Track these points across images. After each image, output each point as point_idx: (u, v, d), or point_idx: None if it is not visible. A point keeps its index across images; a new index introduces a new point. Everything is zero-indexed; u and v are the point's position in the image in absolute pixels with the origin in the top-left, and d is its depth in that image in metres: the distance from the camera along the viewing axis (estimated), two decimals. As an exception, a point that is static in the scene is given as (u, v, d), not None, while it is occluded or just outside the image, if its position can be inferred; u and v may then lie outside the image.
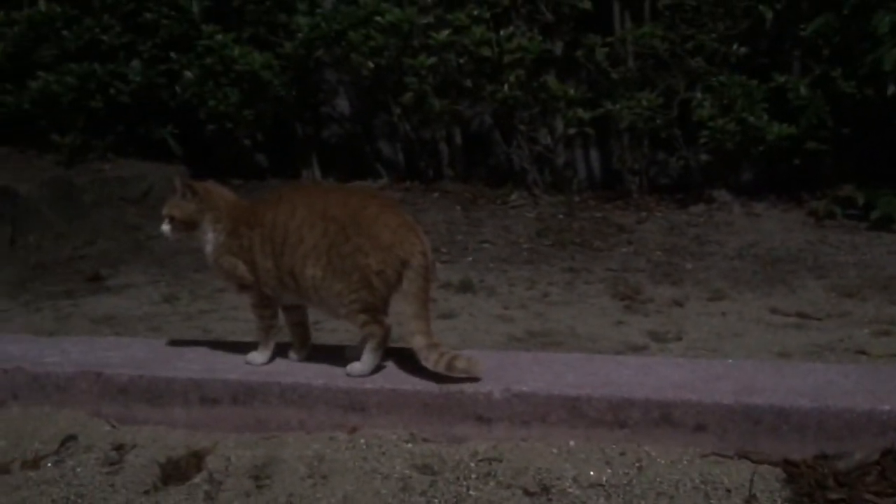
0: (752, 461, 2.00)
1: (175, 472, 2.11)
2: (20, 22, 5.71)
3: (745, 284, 3.88)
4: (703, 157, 5.09)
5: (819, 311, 3.45)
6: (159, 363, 2.48)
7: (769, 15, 4.91)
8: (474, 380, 2.22)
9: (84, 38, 5.65)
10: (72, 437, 2.30)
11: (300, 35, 5.37)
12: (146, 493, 2.05)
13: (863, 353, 2.90)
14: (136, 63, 5.68)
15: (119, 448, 2.25)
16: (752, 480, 1.93)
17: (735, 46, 5.02)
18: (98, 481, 2.11)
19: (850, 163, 4.97)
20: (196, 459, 2.15)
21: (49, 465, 2.20)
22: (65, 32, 5.66)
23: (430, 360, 2.21)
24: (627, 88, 5.20)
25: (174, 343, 2.71)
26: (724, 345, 3.04)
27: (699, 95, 5.03)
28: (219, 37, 5.46)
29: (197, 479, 2.08)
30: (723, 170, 5.23)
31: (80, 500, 2.04)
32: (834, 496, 1.83)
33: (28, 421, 2.40)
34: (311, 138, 5.99)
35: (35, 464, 2.20)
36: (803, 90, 4.81)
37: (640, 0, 5.30)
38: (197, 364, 2.46)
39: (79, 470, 2.16)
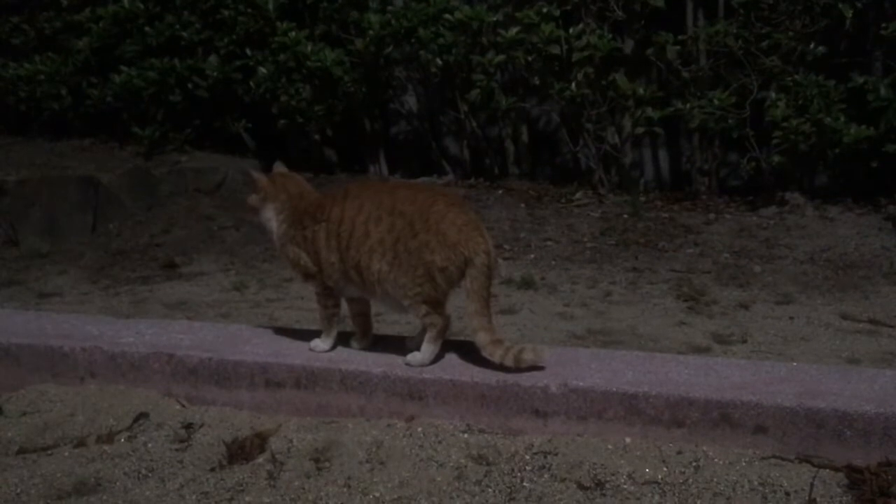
0: (814, 465, 1.97)
1: (240, 451, 2.19)
2: (105, 18, 5.98)
3: (815, 289, 3.79)
4: (776, 158, 4.97)
5: (892, 318, 3.34)
6: (228, 347, 2.57)
7: (849, 14, 4.77)
8: (538, 368, 2.25)
9: (165, 35, 5.88)
10: (144, 415, 2.41)
11: (371, 32, 5.46)
12: (212, 470, 2.13)
13: (937, 362, 2.81)
14: (213, 59, 5.89)
15: (188, 426, 2.35)
16: (812, 484, 1.90)
17: (812, 45, 4.89)
18: (167, 457, 2.21)
19: (931, 167, 4.80)
20: (260, 440, 2.23)
21: (122, 440, 2.31)
22: (147, 29, 5.90)
23: (496, 355, 2.25)
24: (699, 87, 5.12)
25: (242, 328, 2.80)
26: (790, 349, 2.98)
27: (773, 95, 4.92)
28: (293, 34, 5.61)
29: (260, 460, 2.16)
30: (796, 172, 5.10)
31: (150, 475, 2.13)
32: (897, 504, 1.79)
33: (104, 398, 2.53)
34: (379, 134, 6.08)
35: (109, 438, 2.31)
36: (883, 91, 4.65)
37: (714, -3, 5.23)
38: (263, 349, 2.54)
39: (150, 446, 2.27)
